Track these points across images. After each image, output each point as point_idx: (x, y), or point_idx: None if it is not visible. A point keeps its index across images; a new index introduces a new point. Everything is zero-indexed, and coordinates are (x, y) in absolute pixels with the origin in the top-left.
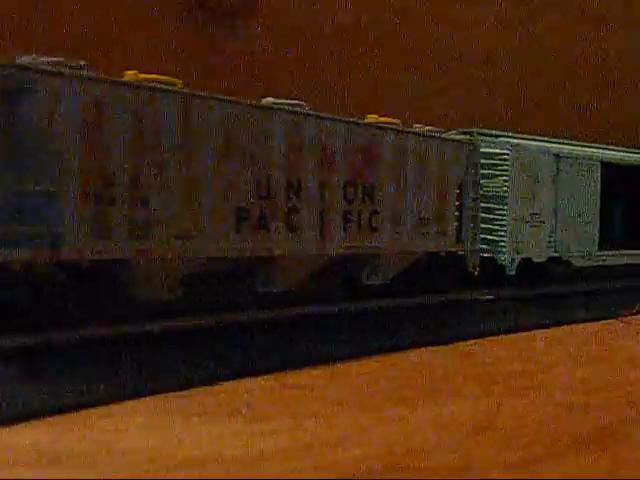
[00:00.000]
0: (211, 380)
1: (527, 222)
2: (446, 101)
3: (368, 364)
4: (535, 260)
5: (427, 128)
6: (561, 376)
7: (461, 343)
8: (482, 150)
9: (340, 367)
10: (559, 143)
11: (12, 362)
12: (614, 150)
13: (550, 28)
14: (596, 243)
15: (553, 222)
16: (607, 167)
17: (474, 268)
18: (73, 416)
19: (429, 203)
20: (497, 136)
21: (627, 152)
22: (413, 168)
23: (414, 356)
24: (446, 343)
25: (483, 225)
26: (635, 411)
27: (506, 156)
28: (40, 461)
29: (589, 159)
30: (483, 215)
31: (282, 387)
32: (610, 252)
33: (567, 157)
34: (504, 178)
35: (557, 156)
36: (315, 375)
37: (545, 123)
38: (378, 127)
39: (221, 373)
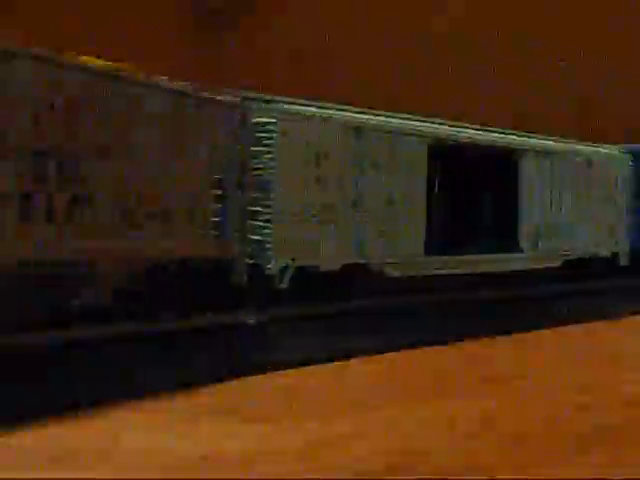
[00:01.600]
0: (211, 380)
1: (309, 216)
2: None
3: (368, 364)
4: (324, 269)
5: (180, 84)
6: (561, 376)
7: (461, 343)
8: (254, 120)
9: (340, 367)
10: (371, 114)
11: None
12: (459, 126)
13: None
14: (421, 245)
15: (352, 216)
16: (460, 149)
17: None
18: (73, 416)
19: (170, 187)
20: (268, 101)
21: (476, 129)
22: (148, 135)
23: (414, 356)
24: (446, 343)
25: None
26: (634, 411)
27: (272, 127)
28: (41, 461)
29: (408, 134)
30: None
31: (282, 387)
32: (447, 257)
33: (374, 131)
34: (269, 157)
35: (358, 129)
36: (315, 375)
37: None
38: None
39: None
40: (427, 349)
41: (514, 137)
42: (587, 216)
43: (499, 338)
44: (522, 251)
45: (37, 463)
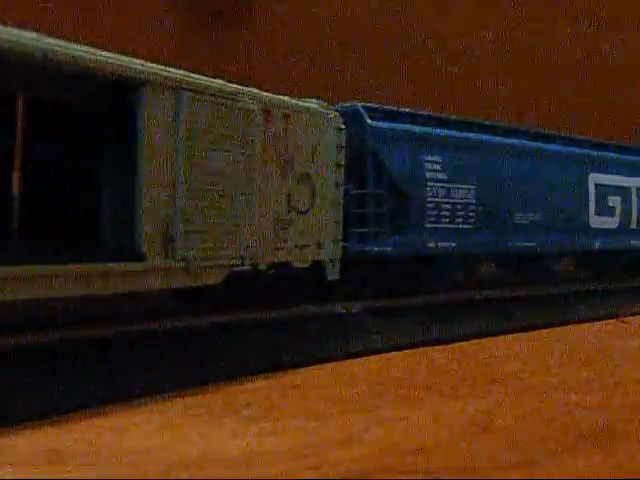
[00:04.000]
0: (211, 380)
1: None
2: None
3: (368, 364)
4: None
5: None
6: (561, 376)
7: (461, 343)
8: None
9: (340, 367)
10: None
11: None
12: None
13: None
14: None
15: None
16: None
17: None
18: (73, 416)
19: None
20: None
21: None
22: None
23: (414, 356)
24: (446, 343)
25: None
26: (635, 411)
27: None
28: (40, 461)
29: None
30: None
31: (282, 387)
32: None
33: None
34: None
35: None
36: (315, 375)
37: None
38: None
39: (221, 373)
40: (427, 349)
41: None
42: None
43: (500, 338)
44: None
45: (36, 462)
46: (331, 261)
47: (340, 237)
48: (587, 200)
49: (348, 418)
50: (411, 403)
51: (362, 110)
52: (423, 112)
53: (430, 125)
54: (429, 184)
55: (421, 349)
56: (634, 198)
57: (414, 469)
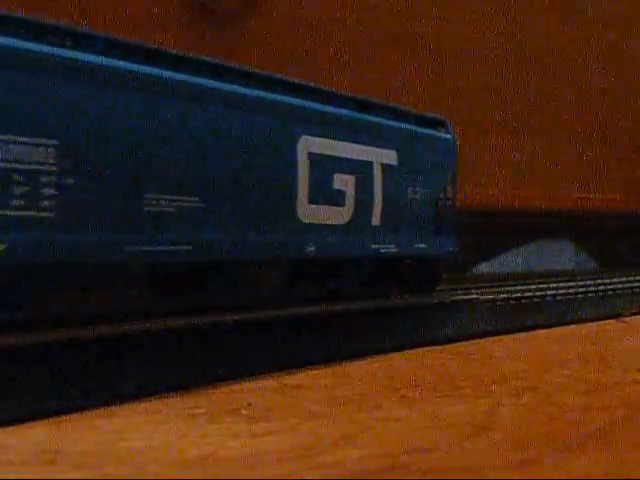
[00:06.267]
0: (211, 380)
1: None
2: None
3: (368, 364)
4: None
5: None
6: (561, 376)
7: (461, 343)
8: None
9: (340, 367)
10: None
11: None
12: None
13: None
14: None
15: None
16: None
17: None
18: (73, 416)
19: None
20: None
21: None
22: None
23: (414, 356)
24: (446, 343)
25: None
26: (635, 411)
27: None
28: (40, 461)
29: None
30: None
31: (282, 387)
32: None
33: None
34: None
35: None
36: (315, 375)
37: None
38: None
39: (221, 373)
40: (427, 349)
41: None
42: None
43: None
44: None
45: (36, 463)
46: None
47: None
48: (294, 179)
49: (348, 418)
50: (411, 403)
51: None
52: None
53: None
54: None
55: (419, 350)
56: (378, 179)
57: (414, 469)
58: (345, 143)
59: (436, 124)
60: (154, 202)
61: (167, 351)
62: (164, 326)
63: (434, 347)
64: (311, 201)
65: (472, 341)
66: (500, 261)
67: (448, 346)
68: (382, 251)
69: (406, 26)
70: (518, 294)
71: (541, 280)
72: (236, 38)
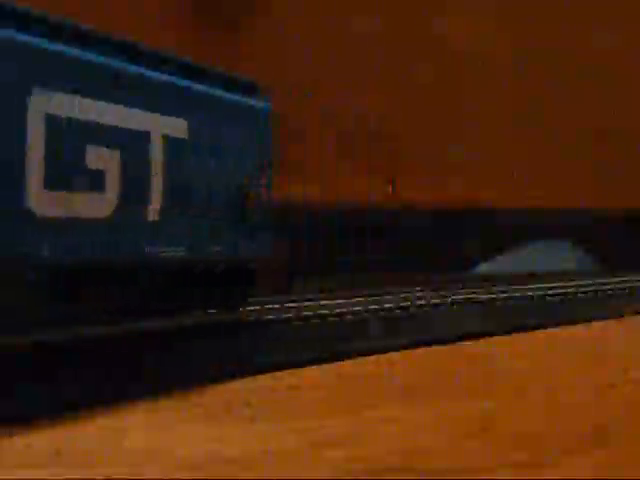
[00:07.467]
0: (211, 380)
1: None
2: None
3: (368, 364)
4: None
5: None
6: (561, 376)
7: (462, 343)
8: None
9: (340, 367)
10: None
11: None
12: None
13: None
14: None
15: None
16: None
17: None
18: (73, 416)
19: None
20: None
21: None
22: None
23: (414, 356)
24: (446, 343)
25: None
26: (635, 411)
27: None
28: (40, 461)
29: None
30: None
31: (282, 387)
32: None
33: None
34: None
35: None
36: (315, 375)
37: None
38: None
39: (221, 373)
40: (426, 349)
41: None
42: None
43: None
44: None
45: (36, 463)
46: None
47: None
48: (21, 152)
49: (348, 418)
50: (411, 403)
51: None
52: None
53: None
54: None
55: (419, 350)
56: (158, 157)
57: (414, 469)
58: (107, 104)
59: (245, 89)
60: None
61: None
62: None
63: (434, 347)
64: (48, 185)
65: (472, 341)
66: (500, 261)
67: (448, 346)
68: (163, 255)
69: None
70: (518, 294)
71: (541, 280)
72: (238, 41)
